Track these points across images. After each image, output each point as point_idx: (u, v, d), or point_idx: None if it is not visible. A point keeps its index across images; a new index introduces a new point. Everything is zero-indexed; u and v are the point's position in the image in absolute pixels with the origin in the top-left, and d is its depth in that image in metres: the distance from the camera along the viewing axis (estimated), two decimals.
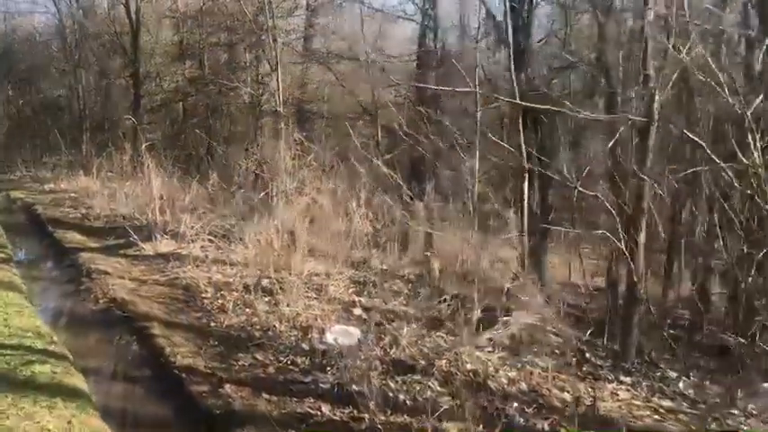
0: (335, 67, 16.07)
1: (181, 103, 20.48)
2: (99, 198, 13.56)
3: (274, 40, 14.65)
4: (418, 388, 5.23)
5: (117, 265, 8.85)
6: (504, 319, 6.01)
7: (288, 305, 6.99)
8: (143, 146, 11.84)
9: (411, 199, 8.76)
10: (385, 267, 8.86)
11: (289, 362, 5.75)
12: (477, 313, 6.06)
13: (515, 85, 8.60)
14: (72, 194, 14.89)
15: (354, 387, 5.05)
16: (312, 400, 4.97)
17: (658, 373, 6.16)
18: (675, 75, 6.19)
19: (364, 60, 12.89)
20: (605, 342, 6.90)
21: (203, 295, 7.49)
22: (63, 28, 21.46)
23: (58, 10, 21.61)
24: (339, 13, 20.61)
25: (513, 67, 8.75)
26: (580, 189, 5.99)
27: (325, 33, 20.25)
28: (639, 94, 6.58)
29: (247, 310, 7.00)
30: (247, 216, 10.63)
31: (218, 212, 11.31)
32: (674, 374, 6.12)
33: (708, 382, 5.95)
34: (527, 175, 7.43)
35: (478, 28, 10.01)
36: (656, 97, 6.02)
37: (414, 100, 13.39)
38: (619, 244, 6.05)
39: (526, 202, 7.32)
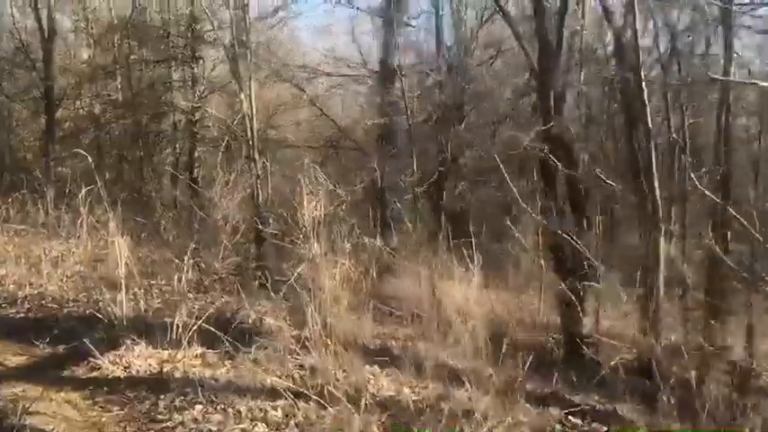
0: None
1: (103, 130, 16.98)
2: (10, 266, 9.46)
3: (247, 48, 11.36)
4: None
5: (68, 408, 5.12)
6: None
7: None
8: (83, 190, 7.95)
9: None
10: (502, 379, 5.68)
11: None
12: None
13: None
14: None
15: None
16: None
17: None
18: None
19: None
20: None
21: None
22: None
23: None
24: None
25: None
26: None
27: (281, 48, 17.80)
28: None
29: None
30: (255, 295, 7.23)
31: (206, 289, 7.76)
32: None
33: None
34: None
35: None
36: None
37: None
38: None
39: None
